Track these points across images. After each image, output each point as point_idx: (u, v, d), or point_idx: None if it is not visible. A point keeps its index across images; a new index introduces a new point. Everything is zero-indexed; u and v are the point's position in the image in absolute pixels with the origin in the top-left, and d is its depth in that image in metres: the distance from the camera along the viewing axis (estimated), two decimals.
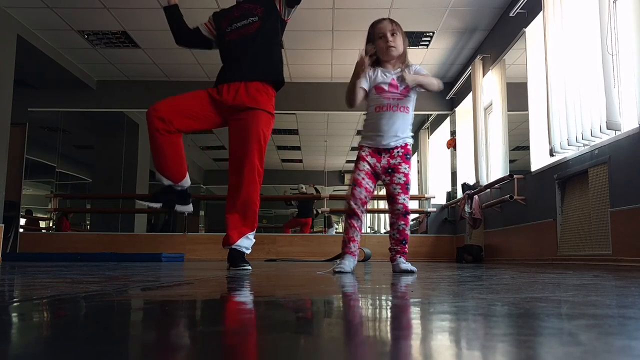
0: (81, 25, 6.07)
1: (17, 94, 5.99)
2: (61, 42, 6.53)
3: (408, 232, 2.67)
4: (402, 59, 2.67)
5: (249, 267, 2.96)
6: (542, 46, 4.32)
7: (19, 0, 5.48)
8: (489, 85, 5.94)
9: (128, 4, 5.49)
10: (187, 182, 3.01)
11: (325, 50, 6.71)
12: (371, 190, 2.65)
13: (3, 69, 5.59)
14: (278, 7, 3.05)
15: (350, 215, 2.64)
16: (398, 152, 2.63)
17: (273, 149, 10.54)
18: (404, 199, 2.62)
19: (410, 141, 2.68)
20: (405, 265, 2.55)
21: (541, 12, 4.39)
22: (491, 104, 5.90)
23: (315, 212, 10.05)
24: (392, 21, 2.68)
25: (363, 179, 2.61)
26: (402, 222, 2.63)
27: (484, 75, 6.11)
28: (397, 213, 2.63)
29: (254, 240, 3.08)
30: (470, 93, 6.34)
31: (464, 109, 7.08)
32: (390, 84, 2.61)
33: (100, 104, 7.79)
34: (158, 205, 2.84)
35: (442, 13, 5.68)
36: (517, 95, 5.21)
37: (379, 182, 2.72)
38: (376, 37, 2.65)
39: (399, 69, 2.64)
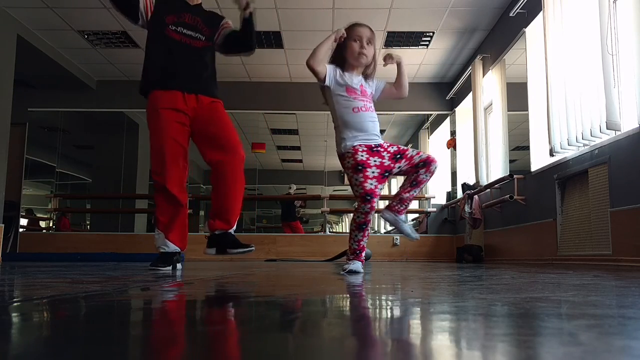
0: (81, 25, 6.07)
1: (17, 94, 5.99)
2: (61, 42, 6.53)
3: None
4: (369, 71, 2.64)
5: (253, 247, 2.92)
6: (542, 46, 4.32)
7: (19, 0, 5.48)
8: (489, 85, 5.94)
9: None
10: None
11: None
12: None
13: (3, 69, 5.59)
14: (215, 37, 3.05)
15: (366, 225, 2.57)
16: (386, 145, 2.61)
17: (273, 149, 10.54)
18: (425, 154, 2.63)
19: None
20: (411, 230, 2.67)
21: (541, 12, 4.39)
22: (491, 104, 5.90)
23: (299, 216, 9.97)
24: (371, 30, 2.65)
25: (376, 187, 2.51)
26: (428, 173, 2.62)
27: (484, 75, 6.10)
28: (427, 165, 2.59)
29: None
30: (470, 93, 6.34)
31: (464, 109, 7.07)
32: (360, 90, 2.60)
33: (100, 104, 7.79)
34: (169, 267, 2.88)
35: (442, 13, 5.68)
36: (517, 95, 5.21)
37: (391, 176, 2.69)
38: (351, 38, 2.59)
39: (361, 76, 2.64)
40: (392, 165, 2.56)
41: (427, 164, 2.59)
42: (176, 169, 2.88)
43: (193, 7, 3.05)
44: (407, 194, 2.64)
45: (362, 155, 2.52)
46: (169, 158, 2.85)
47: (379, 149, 2.57)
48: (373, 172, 2.50)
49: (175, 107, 2.86)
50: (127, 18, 3.02)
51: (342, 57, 2.61)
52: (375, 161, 2.52)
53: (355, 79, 2.61)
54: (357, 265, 2.55)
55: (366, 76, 2.65)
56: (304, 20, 5.81)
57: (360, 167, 2.50)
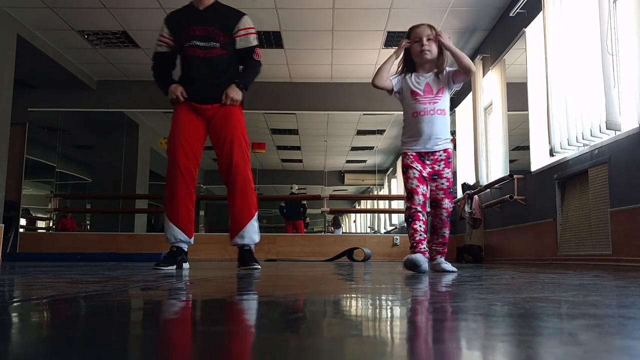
0: (81, 25, 6.07)
1: (17, 94, 5.99)
2: (61, 42, 6.53)
3: (448, 235, 2.75)
4: (438, 64, 2.68)
5: (259, 267, 3.03)
6: (542, 46, 4.32)
7: (19, 0, 5.48)
8: (489, 85, 5.94)
9: (128, 4, 5.49)
10: (192, 240, 3.08)
11: (325, 50, 6.70)
12: (427, 194, 2.66)
13: (3, 69, 5.59)
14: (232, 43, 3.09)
15: (413, 221, 2.62)
16: (440, 155, 2.66)
17: (273, 149, 10.54)
18: (448, 204, 2.69)
19: (450, 146, 2.72)
20: (447, 265, 2.63)
21: (541, 12, 4.39)
22: (491, 104, 5.90)
23: (304, 217, 10.04)
24: (430, 27, 2.70)
25: (418, 186, 2.63)
26: (446, 229, 2.71)
27: (484, 75, 6.10)
28: (441, 219, 2.69)
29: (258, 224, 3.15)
30: (470, 93, 6.34)
31: (464, 109, 7.07)
32: (424, 90, 2.66)
33: (100, 104, 7.79)
34: (173, 267, 2.90)
35: (442, 13, 5.68)
36: (517, 95, 5.21)
37: None
38: (412, 40, 2.69)
39: (431, 73, 2.69)
40: (427, 179, 2.69)
41: (437, 205, 2.69)
42: (185, 146, 3.00)
43: (205, 12, 3.06)
44: (432, 242, 2.72)
45: (408, 159, 2.69)
46: (177, 137, 3.00)
47: (424, 159, 2.66)
48: (414, 173, 2.66)
49: (191, 107, 3.08)
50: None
51: (410, 61, 2.73)
52: (417, 166, 2.67)
53: (421, 79, 2.69)
54: (410, 259, 2.53)
55: (439, 71, 2.68)
56: (304, 20, 5.81)
57: (405, 169, 2.70)
